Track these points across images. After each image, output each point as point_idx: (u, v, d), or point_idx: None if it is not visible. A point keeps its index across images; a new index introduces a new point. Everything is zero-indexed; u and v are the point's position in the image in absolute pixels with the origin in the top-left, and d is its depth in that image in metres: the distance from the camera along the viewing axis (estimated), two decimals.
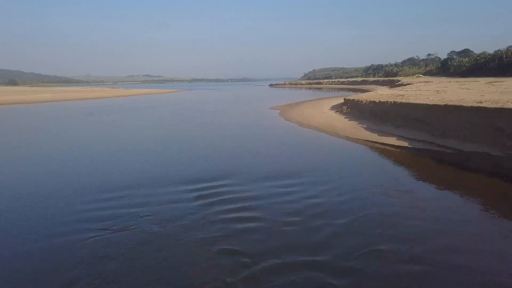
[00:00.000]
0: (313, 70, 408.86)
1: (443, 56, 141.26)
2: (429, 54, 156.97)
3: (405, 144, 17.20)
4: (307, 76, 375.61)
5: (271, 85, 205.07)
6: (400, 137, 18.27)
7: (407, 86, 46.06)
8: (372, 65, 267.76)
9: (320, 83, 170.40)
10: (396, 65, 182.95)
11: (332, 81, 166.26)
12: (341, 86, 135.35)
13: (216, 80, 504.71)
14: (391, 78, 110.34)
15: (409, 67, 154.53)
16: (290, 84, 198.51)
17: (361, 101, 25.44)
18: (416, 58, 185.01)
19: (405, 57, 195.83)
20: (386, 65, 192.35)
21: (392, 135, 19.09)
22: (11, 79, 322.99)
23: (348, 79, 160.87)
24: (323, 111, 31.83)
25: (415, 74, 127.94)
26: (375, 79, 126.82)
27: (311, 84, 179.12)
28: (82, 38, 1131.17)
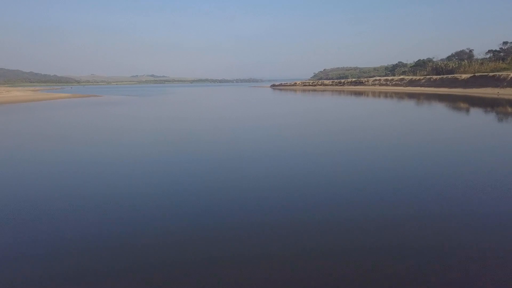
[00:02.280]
0: (324, 69, 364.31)
1: None
2: (504, 42, 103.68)
3: None
4: (318, 76, 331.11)
5: (273, 85, 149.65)
6: None
7: None
8: (400, 62, 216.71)
9: (361, 83, 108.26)
10: (449, 59, 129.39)
11: (387, 79, 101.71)
12: (410, 89, 77.54)
13: (221, 81, 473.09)
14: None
15: (469, 63, 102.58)
16: (303, 84, 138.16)
17: None
18: (467, 51, 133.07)
19: (423, 56, 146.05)
20: (429, 59, 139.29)
21: None
22: None
23: (418, 77, 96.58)
24: None
25: (499, 70, 75.98)
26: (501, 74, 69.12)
27: (342, 84, 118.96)
28: (86, 37, 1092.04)
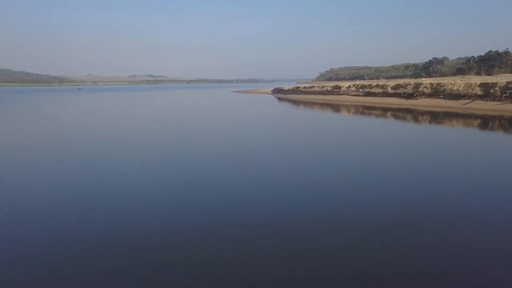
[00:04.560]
0: (331, 69, 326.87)
1: None
2: None
3: None
4: (325, 76, 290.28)
5: (277, 91, 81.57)
6: None
7: None
8: (435, 58, 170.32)
9: None
10: None
11: None
12: None
13: (220, 81, 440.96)
14: None
15: None
16: (361, 90, 54.31)
17: None
18: None
19: (435, 55, 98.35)
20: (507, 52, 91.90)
21: None
22: None
23: None
24: None
25: None
26: None
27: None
28: (86, 37, 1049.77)
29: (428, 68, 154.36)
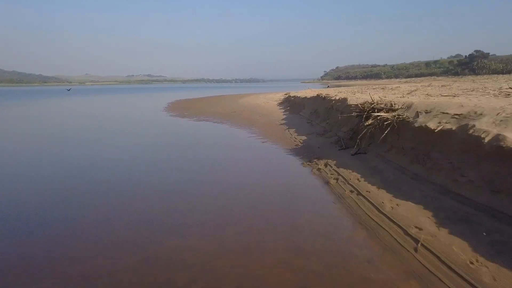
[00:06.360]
0: (337, 67, 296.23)
1: None
2: None
3: None
4: (332, 75, 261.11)
5: (294, 104, 22.02)
6: None
7: None
8: (478, 51, 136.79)
9: None
10: None
11: None
12: None
13: (218, 81, 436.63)
14: None
15: None
16: None
17: None
18: None
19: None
20: None
21: None
22: None
23: None
24: None
25: None
26: None
27: None
28: (82, 35, 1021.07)
29: (471, 63, 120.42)
